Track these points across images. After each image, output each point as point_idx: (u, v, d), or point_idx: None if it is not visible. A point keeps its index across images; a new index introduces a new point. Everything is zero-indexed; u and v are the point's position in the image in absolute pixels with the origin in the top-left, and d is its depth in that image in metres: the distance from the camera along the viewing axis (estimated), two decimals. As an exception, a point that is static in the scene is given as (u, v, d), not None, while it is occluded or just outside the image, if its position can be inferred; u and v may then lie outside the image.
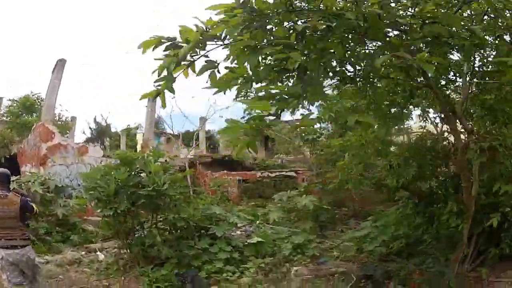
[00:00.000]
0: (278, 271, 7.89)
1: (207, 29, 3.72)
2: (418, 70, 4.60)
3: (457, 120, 6.41)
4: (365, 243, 8.66)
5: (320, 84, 4.15)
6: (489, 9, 4.94)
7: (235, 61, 3.83)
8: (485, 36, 4.92)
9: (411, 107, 7.67)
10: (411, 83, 5.78)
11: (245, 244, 8.97)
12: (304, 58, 3.79)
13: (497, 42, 5.34)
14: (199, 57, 3.81)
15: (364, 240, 8.74)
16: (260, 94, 3.91)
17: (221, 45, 3.78)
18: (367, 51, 4.89)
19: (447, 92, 7.10)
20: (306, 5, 3.96)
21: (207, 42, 3.74)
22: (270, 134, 19.29)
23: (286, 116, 16.49)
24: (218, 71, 3.84)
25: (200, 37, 3.66)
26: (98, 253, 9.42)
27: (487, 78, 6.33)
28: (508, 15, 5.00)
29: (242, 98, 5.70)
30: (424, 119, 8.45)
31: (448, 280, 6.35)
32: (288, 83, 4.40)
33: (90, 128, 29.56)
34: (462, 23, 4.50)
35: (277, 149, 20.51)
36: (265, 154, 22.40)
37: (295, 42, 3.75)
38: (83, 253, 9.53)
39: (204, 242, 8.51)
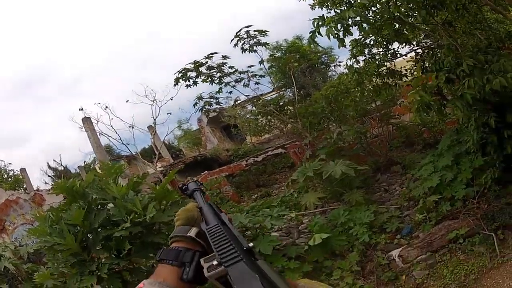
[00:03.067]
0: (378, 268, 5.95)
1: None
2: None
3: None
4: (445, 191, 6.94)
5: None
6: None
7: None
8: None
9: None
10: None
11: (307, 249, 6.90)
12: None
13: None
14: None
15: (442, 189, 7.01)
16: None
17: None
18: None
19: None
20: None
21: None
22: (229, 120, 17.25)
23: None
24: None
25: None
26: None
27: None
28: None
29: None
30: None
31: None
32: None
33: (49, 175, 27.15)
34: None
35: (244, 133, 18.40)
36: (233, 144, 20.24)
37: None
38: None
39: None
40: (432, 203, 6.74)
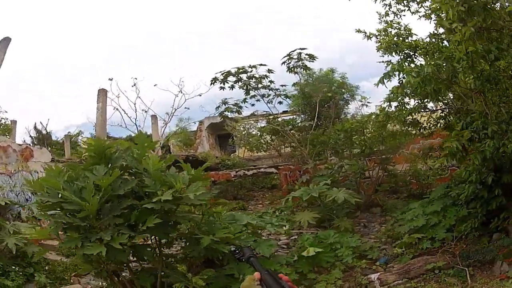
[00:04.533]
0: (357, 287, 6.56)
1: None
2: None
3: None
4: (427, 232, 7.71)
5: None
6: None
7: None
8: None
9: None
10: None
11: (295, 259, 7.48)
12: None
13: None
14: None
15: (425, 230, 7.77)
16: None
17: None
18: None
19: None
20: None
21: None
22: (231, 130, 17.73)
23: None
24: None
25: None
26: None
27: None
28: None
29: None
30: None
31: None
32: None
33: (30, 136, 25.87)
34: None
35: (238, 145, 18.87)
36: (222, 154, 20.67)
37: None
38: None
39: (245, 267, 6.42)
40: (415, 239, 7.45)
